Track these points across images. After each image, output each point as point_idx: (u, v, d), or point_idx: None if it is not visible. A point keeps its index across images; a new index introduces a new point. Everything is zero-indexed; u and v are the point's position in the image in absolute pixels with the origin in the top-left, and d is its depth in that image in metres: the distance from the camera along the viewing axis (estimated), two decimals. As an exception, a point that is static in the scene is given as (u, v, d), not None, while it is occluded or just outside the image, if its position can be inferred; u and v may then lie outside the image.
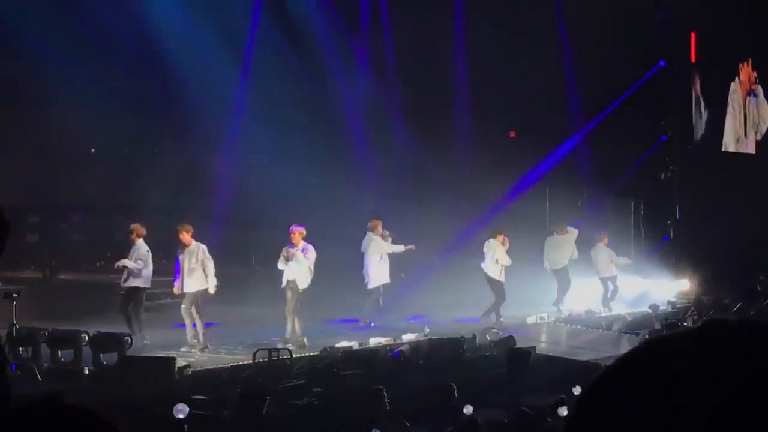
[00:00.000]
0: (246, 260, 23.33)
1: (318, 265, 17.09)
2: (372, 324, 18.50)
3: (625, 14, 23.88)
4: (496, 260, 19.46)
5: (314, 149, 22.30)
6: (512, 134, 26.27)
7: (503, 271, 19.60)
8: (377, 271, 19.05)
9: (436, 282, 20.00)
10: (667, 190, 26.16)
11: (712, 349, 1.19)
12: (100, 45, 21.09)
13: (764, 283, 23.53)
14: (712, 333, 1.22)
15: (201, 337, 15.87)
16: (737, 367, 1.16)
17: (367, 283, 19.08)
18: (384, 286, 19.20)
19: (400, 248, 19.22)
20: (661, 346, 1.23)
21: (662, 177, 26.04)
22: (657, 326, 18.49)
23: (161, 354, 14.26)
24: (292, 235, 16.69)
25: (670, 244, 25.92)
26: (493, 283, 19.38)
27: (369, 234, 19.23)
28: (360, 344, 15.39)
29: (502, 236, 19.73)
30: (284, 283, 16.58)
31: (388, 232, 19.44)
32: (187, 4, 21.93)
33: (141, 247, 16.37)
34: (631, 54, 25.16)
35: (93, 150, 22.66)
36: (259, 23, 23.68)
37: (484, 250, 19.64)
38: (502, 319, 19.10)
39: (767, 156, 28.79)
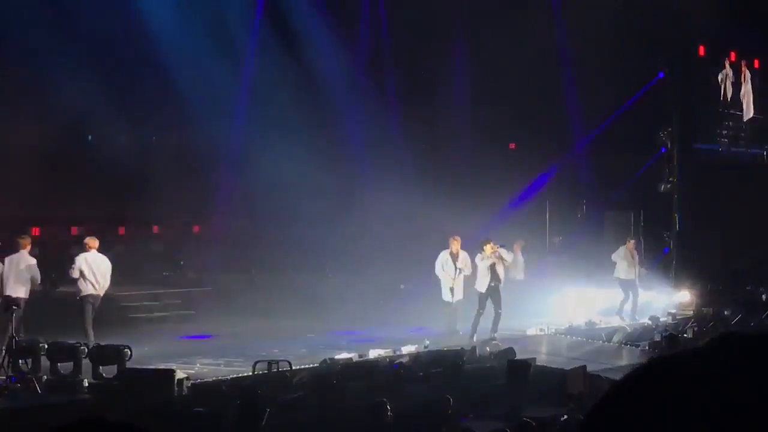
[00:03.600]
0: (246, 272, 23.33)
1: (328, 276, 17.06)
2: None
3: (625, 26, 23.92)
4: (482, 276, 19.32)
5: (315, 163, 22.34)
6: (512, 146, 26.30)
7: (487, 284, 19.41)
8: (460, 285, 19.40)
9: (437, 294, 19.97)
10: (666, 201, 26.17)
11: (726, 363, 1.17)
12: (100, 54, 21.14)
13: (765, 295, 23.50)
14: (725, 346, 1.20)
15: None
16: (754, 379, 1.14)
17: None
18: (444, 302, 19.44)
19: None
20: (672, 362, 1.22)
21: (662, 188, 26.05)
22: (657, 338, 18.47)
23: (161, 366, 14.25)
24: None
25: (669, 255, 25.93)
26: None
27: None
28: (360, 356, 15.38)
29: (489, 245, 19.45)
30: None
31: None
32: (188, 14, 21.96)
33: None
34: (631, 66, 25.21)
35: (94, 162, 22.68)
36: (260, 35, 23.73)
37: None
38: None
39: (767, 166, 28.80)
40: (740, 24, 26.87)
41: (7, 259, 15.73)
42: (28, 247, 16.02)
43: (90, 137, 21.33)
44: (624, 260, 22.04)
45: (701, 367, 1.18)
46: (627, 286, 21.87)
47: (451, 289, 19.22)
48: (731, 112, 28.35)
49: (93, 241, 16.56)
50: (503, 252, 19.20)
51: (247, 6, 23.65)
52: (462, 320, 19.49)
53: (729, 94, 27.81)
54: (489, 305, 18.95)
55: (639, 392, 1.20)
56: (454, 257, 19.30)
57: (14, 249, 15.94)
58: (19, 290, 15.50)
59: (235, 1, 23.21)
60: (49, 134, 21.71)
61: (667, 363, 1.21)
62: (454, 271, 19.23)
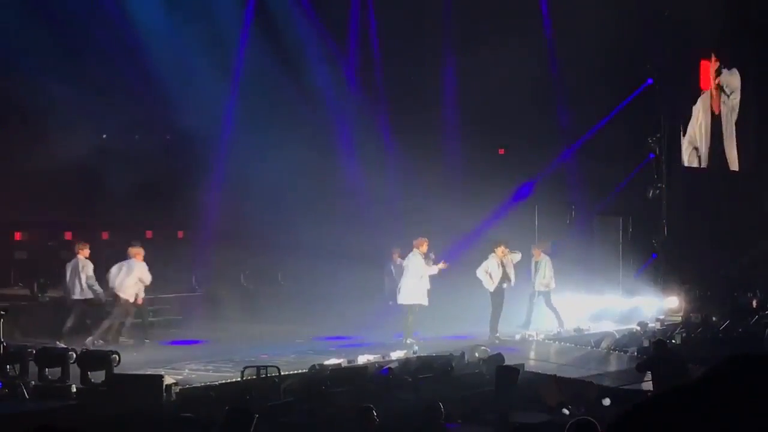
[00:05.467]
0: (235, 278, 23.29)
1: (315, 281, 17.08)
2: (409, 341, 18.46)
3: (614, 32, 23.97)
4: (489, 274, 19.60)
5: (305, 168, 22.35)
6: (501, 152, 26.32)
7: (495, 283, 19.65)
8: (413, 289, 19.16)
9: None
10: (655, 207, 26.22)
11: (736, 387, 1.16)
12: (91, 62, 21.11)
13: (755, 300, 23.57)
14: (734, 370, 1.19)
15: None
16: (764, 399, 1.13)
17: (399, 300, 19.27)
18: (420, 306, 19.22)
19: (434, 269, 19.34)
20: (684, 391, 1.20)
21: (650, 195, 26.10)
22: (645, 344, 18.52)
23: (149, 371, 14.22)
24: None
25: (658, 261, 25.97)
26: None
27: (414, 251, 19.32)
28: (349, 362, 15.37)
29: (501, 248, 19.87)
30: None
31: (431, 254, 19.48)
32: (178, 21, 21.93)
33: None
34: (620, 72, 25.26)
35: (82, 166, 22.62)
36: (249, 42, 23.70)
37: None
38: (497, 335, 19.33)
39: (754, 174, 28.90)
40: (727, 30, 27.02)
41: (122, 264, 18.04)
42: (142, 254, 18.21)
43: (76, 142, 21.23)
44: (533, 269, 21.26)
45: (714, 393, 1.17)
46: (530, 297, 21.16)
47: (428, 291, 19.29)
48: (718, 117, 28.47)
49: (81, 247, 17.62)
50: (515, 256, 19.84)
51: (236, 10, 23.62)
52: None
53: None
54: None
55: (656, 419, 1.19)
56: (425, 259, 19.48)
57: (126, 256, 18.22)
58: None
59: (225, 5, 23.19)
60: (34, 138, 21.65)
61: (680, 392, 1.20)
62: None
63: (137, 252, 18.13)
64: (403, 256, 19.83)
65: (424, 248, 19.36)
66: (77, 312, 17.57)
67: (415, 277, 19.17)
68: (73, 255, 17.85)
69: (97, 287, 17.53)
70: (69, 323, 17.36)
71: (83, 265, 17.51)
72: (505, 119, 24.33)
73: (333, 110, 24.59)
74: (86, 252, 17.65)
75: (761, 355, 1.25)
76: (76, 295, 17.55)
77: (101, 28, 21.16)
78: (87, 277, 17.42)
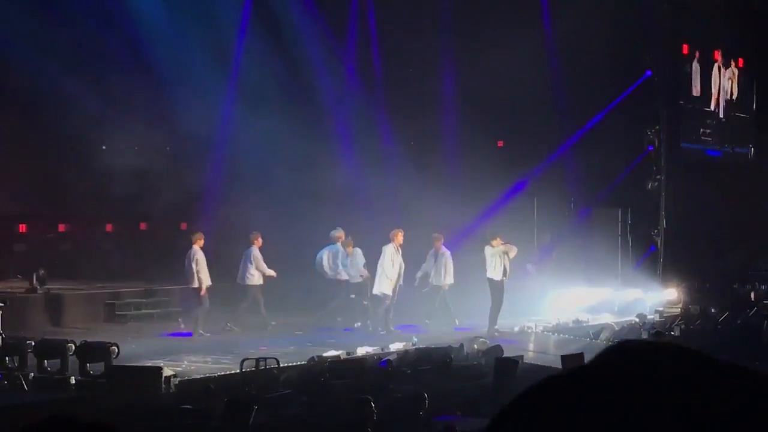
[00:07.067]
0: (234, 271, 23.28)
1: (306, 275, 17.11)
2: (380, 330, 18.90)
3: (613, 24, 23.96)
4: (494, 266, 19.66)
5: (302, 159, 22.35)
6: (500, 144, 26.30)
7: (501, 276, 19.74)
8: (376, 279, 19.57)
9: (424, 291, 20.03)
10: (654, 199, 26.21)
11: (619, 374, 1.17)
12: (90, 54, 21.10)
13: (753, 293, 23.58)
14: (617, 358, 1.20)
15: None
16: (647, 387, 1.14)
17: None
18: (385, 296, 19.50)
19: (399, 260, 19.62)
20: (565, 380, 1.21)
21: (649, 186, 26.10)
22: (644, 336, 18.54)
23: (148, 363, 14.24)
24: None
25: (657, 253, 25.98)
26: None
27: (389, 244, 19.63)
28: (347, 353, 15.39)
29: (498, 239, 19.86)
30: None
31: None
32: (176, 15, 21.93)
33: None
34: (618, 64, 25.24)
35: (81, 158, 22.62)
36: (248, 35, 23.69)
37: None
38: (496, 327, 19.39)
39: (754, 166, 28.90)
40: (725, 22, 27.03)
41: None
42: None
43: (76, 134, 21.23)
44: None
45: (596, 384, 1.17)
46: None
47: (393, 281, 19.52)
48: (717, 110, 28.46)
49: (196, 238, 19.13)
50: (508, 247, 19.74)
51: (233, 8, 23.62)
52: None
53: (716, 91, 27.96)
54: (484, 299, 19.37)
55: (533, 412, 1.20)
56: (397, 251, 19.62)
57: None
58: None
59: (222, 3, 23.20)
60: (35, 131, 21.66)
61: (561, 381, 1.20)
62: (400, 265, 19.56)
63: (256, 238, 19.59)
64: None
65: (400, 239, 19.54)
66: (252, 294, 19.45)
67: (382, 267, 19.42)
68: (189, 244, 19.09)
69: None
70: (244, 304, 19.40)
71: (255, 254, 19.44)
72: (504, 111, 24.32)
73: (331, 101, 24.58)
74: (259, 242, 19.57)
75: (641, 343, 1.25)
76: (247, 281, 19.57)
77: (100, 25, 21.19)
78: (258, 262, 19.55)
